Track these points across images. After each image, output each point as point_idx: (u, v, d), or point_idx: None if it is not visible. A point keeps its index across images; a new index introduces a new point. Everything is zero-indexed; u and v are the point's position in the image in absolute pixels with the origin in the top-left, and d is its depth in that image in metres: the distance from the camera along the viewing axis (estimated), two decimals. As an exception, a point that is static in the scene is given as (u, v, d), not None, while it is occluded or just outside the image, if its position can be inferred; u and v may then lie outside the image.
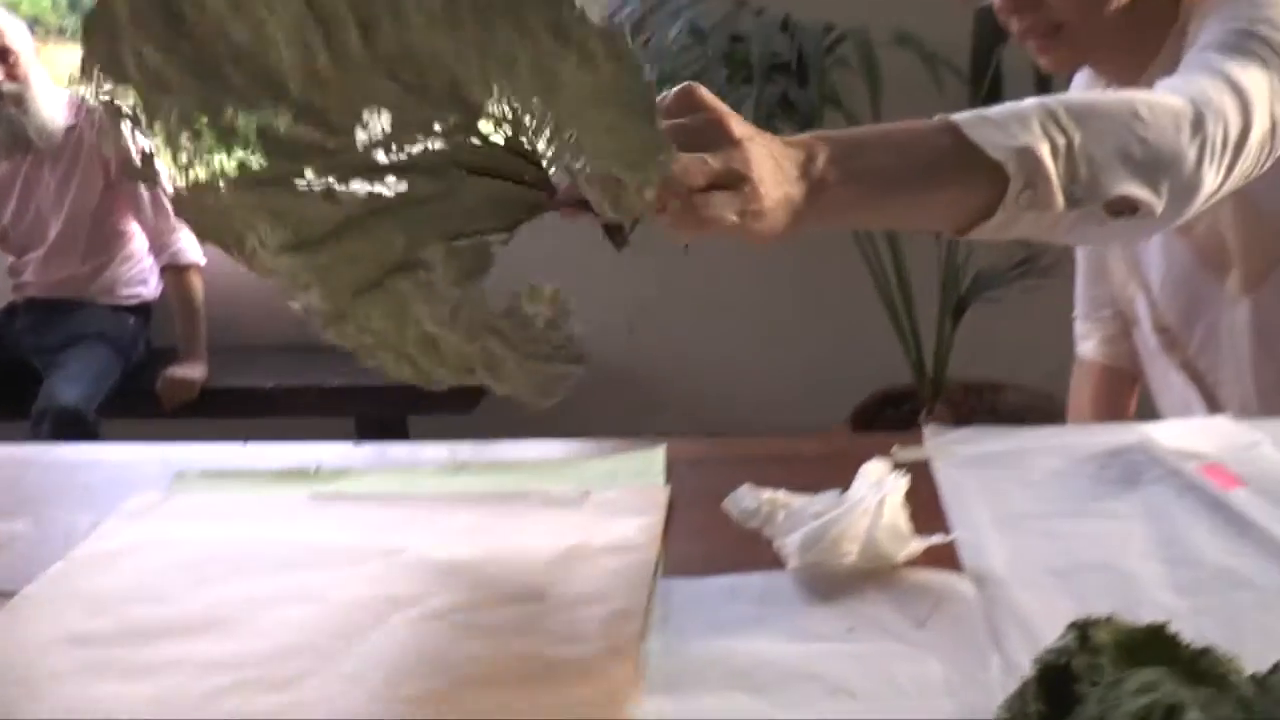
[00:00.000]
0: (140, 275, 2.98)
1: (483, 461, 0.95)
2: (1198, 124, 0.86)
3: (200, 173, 0.70)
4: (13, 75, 2.76)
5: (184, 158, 0.69)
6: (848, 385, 2.65)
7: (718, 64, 2.17)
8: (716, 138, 0.68)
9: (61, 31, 4.07)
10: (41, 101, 2.80)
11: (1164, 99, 0.87)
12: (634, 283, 3.02)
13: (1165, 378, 1.30)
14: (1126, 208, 0.82)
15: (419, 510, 0.86)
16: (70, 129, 2.85)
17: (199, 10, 0.66)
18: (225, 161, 0.70)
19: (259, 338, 3.18)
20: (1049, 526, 0.79)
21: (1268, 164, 0.96)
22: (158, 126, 0.69)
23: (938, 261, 2.56)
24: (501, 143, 0.68)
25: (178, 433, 2.35)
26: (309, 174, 0.69)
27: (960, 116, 0.79)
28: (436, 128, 0.68)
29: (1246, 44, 0.96)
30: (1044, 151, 0.78)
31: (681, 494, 0.86)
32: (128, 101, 0.69)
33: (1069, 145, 0.79)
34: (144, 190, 2.88)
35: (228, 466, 0.97)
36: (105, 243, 2.92)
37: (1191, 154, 0.85)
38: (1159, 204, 0.84)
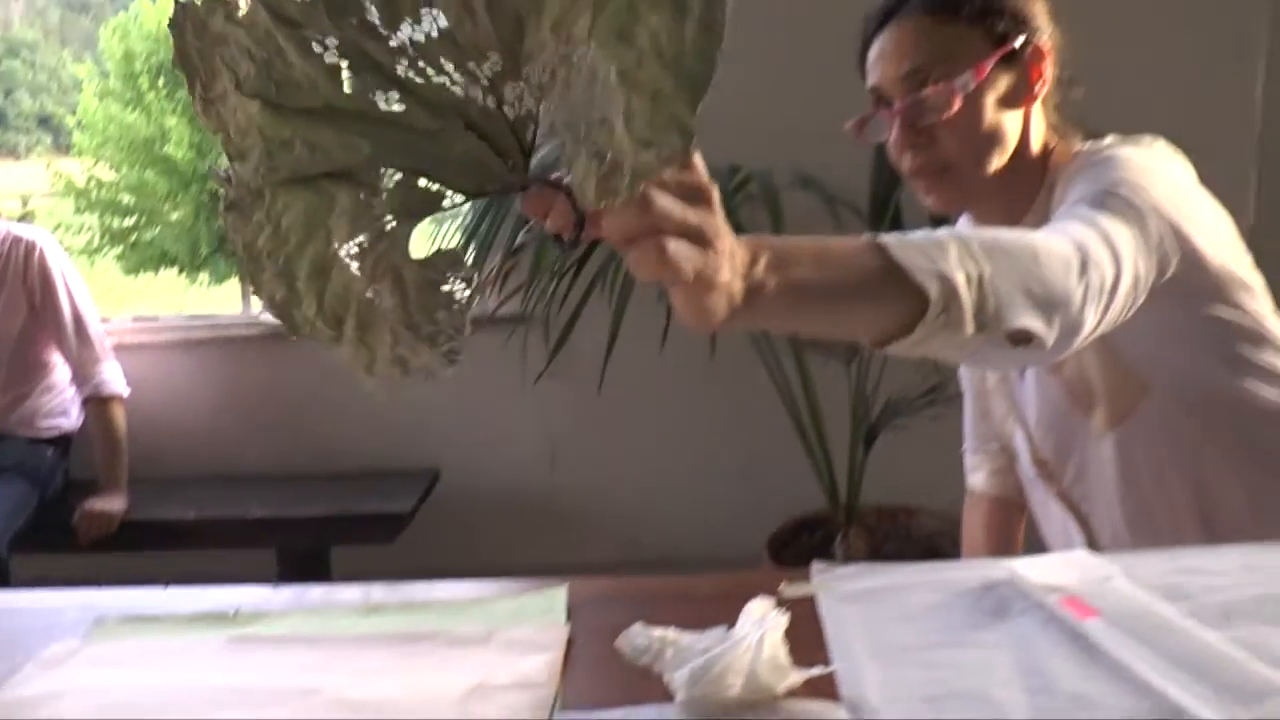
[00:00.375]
0: (61, 406, 2.97)
1: (395, 602, 0.99)
2: (1083, 269, 0.95)
3: None
4: (-61, 209, 2.78)
5: None
6: (765, 512, 2.72)
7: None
8: (700, 201, 0.70)
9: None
10: (-33, 233, 2.82)
11: (1055, 243, 0.95)
12: (554, 415, 3.09)
13: (1046, 507, 1.38)
14: (1024, 338, 0.90)
15: (334, 651, 0.90)
16: (-5, 260, 2.87)
17: None
18: None
19: (181, 469, 3.18)
20: (924, 657, 0.85)
21: (1131, 311, 1.06)
22: None
23: (848, 389, 2.66)
24: (511, 117, 0.66)
25: (95, 567, 2.34)
26: (330, 41, 0.65)
27: (887, 239, 0.84)
28: (470, 65, 0.65)
29: (1111, 202, 1.07)
30: (960, 280, 0.84)
31: (581, 631, 0.91)
32: None
33: (981, 276, 0.86)
34: (68, 321, 2.90)
35: (147, 611, 0.99)
36: (26, 373, 2.91)
37: (1078, 295, 0.94)
38: (1050, 337, 0.92)
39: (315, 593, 1.02)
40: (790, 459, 2.68)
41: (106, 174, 20.33)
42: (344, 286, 0.70)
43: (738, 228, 1.90)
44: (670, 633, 0.81)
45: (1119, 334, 1.12)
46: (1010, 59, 1.22)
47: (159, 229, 20.24)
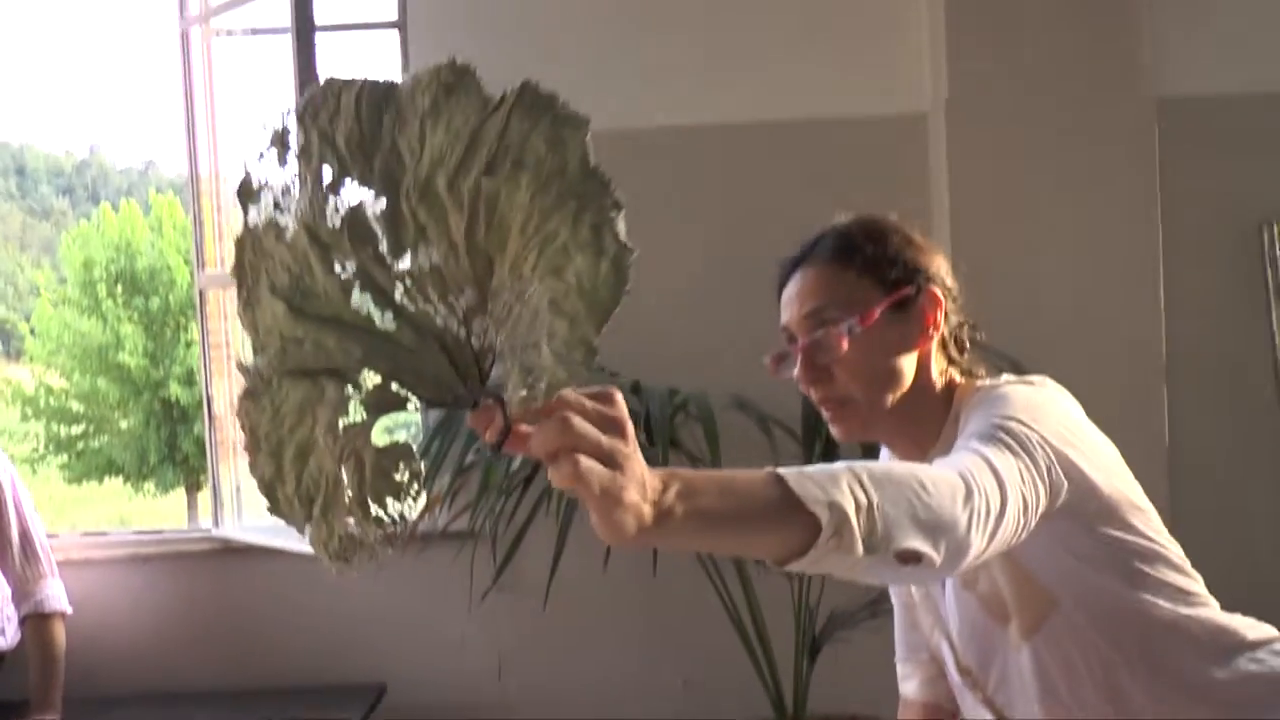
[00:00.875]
0: (-4, 624, 2.94)
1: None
2: (968, 497, 1.05)
3: (283, 220, 0.83)
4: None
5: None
6: (711, 723, 2.72)
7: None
8: (615, 431, 0.79)
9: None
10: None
11: (943, 474, 1.06)
12: (502, 630, 3.10)
13: (974, 712, 1.44)
14: (912, 558, 0.99)
15: None
16: (-55, 480, 2.88)
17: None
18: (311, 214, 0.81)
19: (120, 687, 3.13)
20: None
21: (1024, 534, 1.15)
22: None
23: (791, 602, 2.71)
24: (476, 347, 0.80)
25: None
26: (349, 264, 0.81)
27: (786, 471, 0.95)
28: (450, 298, 0.80)
29: (1000, 436, 1.19)
30: (849, 508, 0.94)
31: None
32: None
33: (870, 504, 0.96)
34: (15, 538, 2.90)
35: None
36: (-36, 591, 2.89)
37: (963, 520, 1.04)
38: (938, 558, 1.01)
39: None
40: (736, 670, 2.70)
41: (57, 381, 20.35)
42: (319, 468, 0.82)
43: (676, 446, 2.03)
44: None
45: (1024, 552, 1.22)
46: (904, 305, 1.35)
47: (107, 437, 20.14)
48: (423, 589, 3.08)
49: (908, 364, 1.35)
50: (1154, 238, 3.06)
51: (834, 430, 1.38)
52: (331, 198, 0.82)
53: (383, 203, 0.81)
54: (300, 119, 0.83)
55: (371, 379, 0.82)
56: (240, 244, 0.84)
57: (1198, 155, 3.12)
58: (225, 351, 3.44)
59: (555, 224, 0.78)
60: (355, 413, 0.83)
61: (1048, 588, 1.31)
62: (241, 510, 3.39)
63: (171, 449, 18.94)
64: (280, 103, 3.05)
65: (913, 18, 3.12)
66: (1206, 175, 3.14)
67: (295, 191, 0.83)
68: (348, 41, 3.49)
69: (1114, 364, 2.98)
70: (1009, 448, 1.17)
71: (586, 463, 0.78)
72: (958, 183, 3.05)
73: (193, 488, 19.12)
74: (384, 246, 0.81)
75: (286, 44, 2.95)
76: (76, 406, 19.41)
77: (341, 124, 0.82)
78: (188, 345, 18.97)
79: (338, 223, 0.81)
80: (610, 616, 3.07)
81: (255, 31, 3.38)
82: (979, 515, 1.06)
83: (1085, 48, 3.02)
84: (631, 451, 0.81)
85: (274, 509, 0.85)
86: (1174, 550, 1.35)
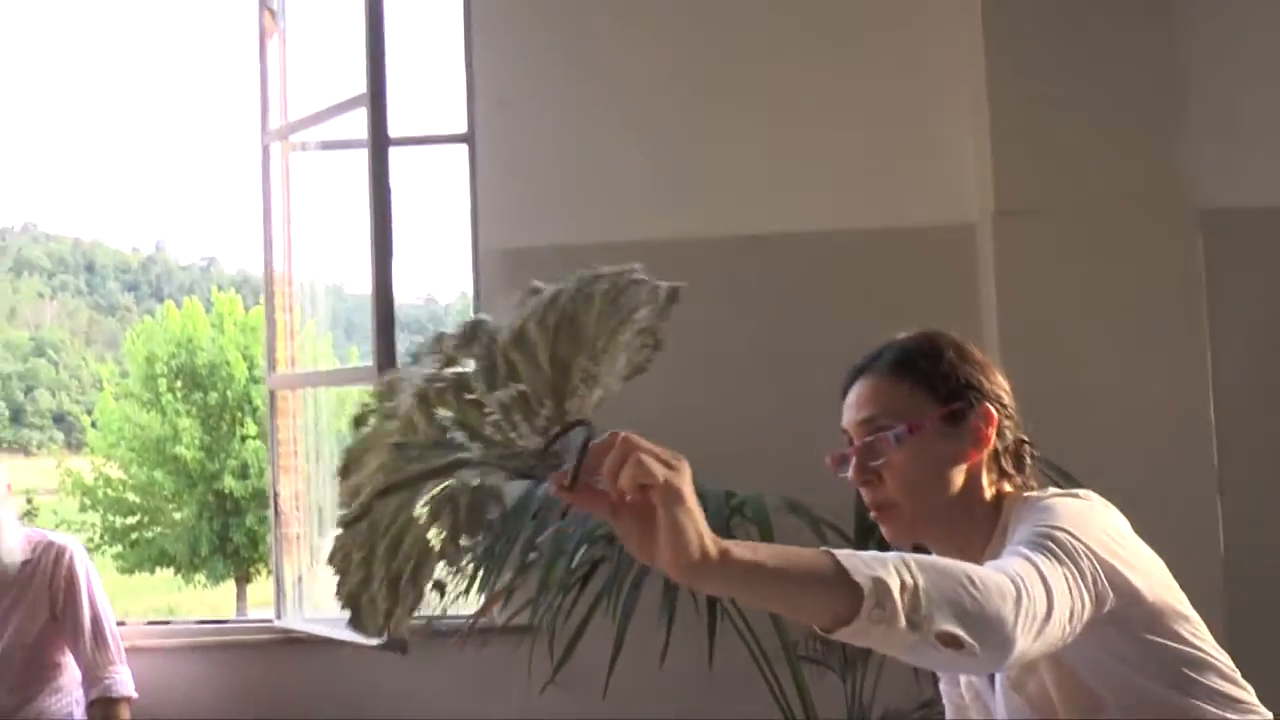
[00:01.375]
0: (66, 708, 3.03)
1: None
2: (1018, 600, 1.13)
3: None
4: (-18, 514, 2.95)
5: None
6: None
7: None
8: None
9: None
10: (4, 537, 2.97)
11: (993, 574, 1.14)
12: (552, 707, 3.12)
13: (1022, 813, 1.47)
14: (954, 643, 1.07)
15: None
16: (25, 563, 3.00)
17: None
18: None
19: (177, 775, 3.18)
20: None
21: (1070, 639, 1.21)
22: None
23: (844, 702, 2.73)
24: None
25: None
26: (446, 414, 1.00)
27: (838, 550, 1.07)
28: (534, 419, 0.98)
29: (1047, 545, 1.26)
30: (894, 585, 1.04)
31: None
32: None
33: (915, 585, 1.06)
34: (87, 624, 3.00)
35: None
36: (38, 674, 2.99)
37: (1010, 619, 1.12)
38: (979, 649, 1.09)
39: None
40: (788, 773, 2.71)
41: (115, 472, 20.76)
42: (411, 543, 0.97)
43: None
44: None
45: (1071, 655, 1.28)
46: (957, 419, 1.43)
47: (160, 528, 20.45)
48: (479, 684, 3.12)
49: (956, 474, 1.43)
50: (1202, 349, 3.10)
51: (885, 532, 1.46)
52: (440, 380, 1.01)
53: (480, 359, 1.01)
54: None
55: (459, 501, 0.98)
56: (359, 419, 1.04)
57: (1243, 265, 3.18)
58: (292, 448, 3.56)
59: (616, 330, 0.99)
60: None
61: (1095, 690, 1.35)
62: (302, 601, 3.48)
63: (223, 540, 19.17)
64: (352, 209, 3.22)
65: (960, 129, 3.24)
66: (1253, 285, 3.20)
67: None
68: (419, 156, 3.67)
69: (1166, 477, 3.00)
70: (1055, 556, 1.24)
71: (647, 458, 0.96)
72: (1005, 294, 3.13)
73: (242, 579, 19.29)
74: (479, 393, 0.99)
75: (361, 157, 3.12)
76: (133, 497, 19.77)
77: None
78: (242, 440, 19.32)
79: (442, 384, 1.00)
80: (666, 716, 3.08)
81: (329, 145, 3.57)
82: (1026, 617, 1.13)
83: (1126, 161, 3.11)
84: (684, 466, 0.99)
85: (355, 621, 0.99)
86: (1222, 659, 1.39)
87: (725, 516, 2.48)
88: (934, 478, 1.42)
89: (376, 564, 0.98)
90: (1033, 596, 1.15)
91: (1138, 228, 3.12)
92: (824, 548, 1.07)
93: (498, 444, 0.97)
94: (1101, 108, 3.14)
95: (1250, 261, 3.20)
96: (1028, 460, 1.50)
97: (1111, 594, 1.28)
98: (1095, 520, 1.34)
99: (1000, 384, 1.49)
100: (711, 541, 0.99)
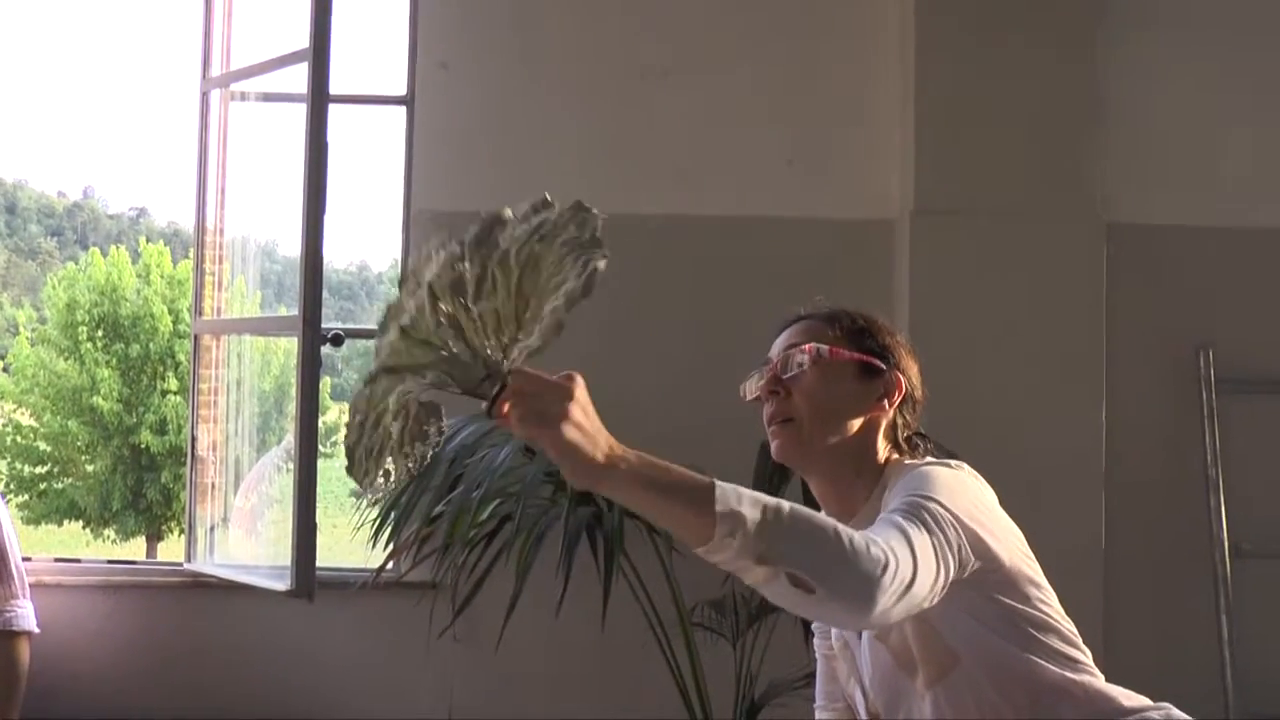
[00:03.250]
0: (-36, 639, 3.02)
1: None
2: (886, 567, 1.24)
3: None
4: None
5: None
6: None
7: (541, 481, 2.53)
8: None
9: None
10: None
11: (866, 536, 1.26)
12: (454, 680, 3.20)
13: (883, 753, 1.59)
14: (805, 585, 1.19)
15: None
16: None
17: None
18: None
19: (77, 710, 3.20)
20: None
21: (934, 601, 1.34)
22: None
23: (733, 669, 2.85)
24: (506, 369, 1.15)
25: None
26: (444, 310, 1.15)
27: (724, 484, 1.19)
28: (502, 337, 1.14)
29: (920, 514, 1.38)
30: (751, 518, 1.17)
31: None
32: None
33: (776, 524, 1.18)
34: (-11, 556, 3.00)
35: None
36: (-63, 605, 2.98)
37: (875, 579, 1.23)
38: (832, 598, 1.21)
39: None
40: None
41: (27, 420, 20.27)
42: (384, 429, 1.17)
43: (634, 514, 2.15)
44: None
45: (931, 612, 1.40)
46: (871, 373, 1.56)
47: (71, 480, 20.03)
48: (382, 634, 3.19)
49: (854, 419, 1.56)
50: (1098, 354, 3.26)
51: (773, 448, 1.58)
52: (454, 266, 1.18)
53: (477, 267, 1.16)
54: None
55: (431, 375, 1.16)
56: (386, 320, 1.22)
57: (1143, 279, 3.35)
58: (213, 399, 3.58)
59: (567, 268, 1.12)
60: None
61: (951, 645, 1.48)
62: (214, 550, 3.51)
63: (136, 496, 18.86)
64: (288, 166, 3.25)
65: (887, 128, 3.36)
66: (1150, 299, 3.37)
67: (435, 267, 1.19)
68: (355, 116, 3.69)
69: (1056, 473, 3.16)
70: (926, 526, 1.36)
71: (527, 400, 1.12)
72: (918, 289, 3.26)
73: (153, 536, 19.00)
74: (468, 297, 1.15)
75: (300, 112, 3.15)
76: (44, 446, 19.35)
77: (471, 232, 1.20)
78: (163, 394, 19.00)
79: (449, 281, 1.16)
80: (559, 673, 3.18)
81: (269, 98, 3.58)
82: (891, 582, 1.24)
83: (1041, 171, 3.27)
84: (576, 404, 1.13)
85: (350, 467, 1.21)
86: (1066, 625, 1.53)
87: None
88: (836, 409, 1.55)
89: (366, 431, 1.19)
90: (900, 564, 1.26)
91: (1047, 235, 3.27)
92: (713, 479, 1.19)
93: (474, 349, 1.14)
94: (1021, 117, 3.28)
95: (1150, 275, 3.37)
96: (919, 452, 1.61)
97: (974, 559, 1.40)
98: (964, 490, 1.46)
99: (914, 370, 1.61)
100: (604, 453, 1.13)
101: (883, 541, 1.27)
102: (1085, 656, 1.52)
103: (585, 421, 1.13)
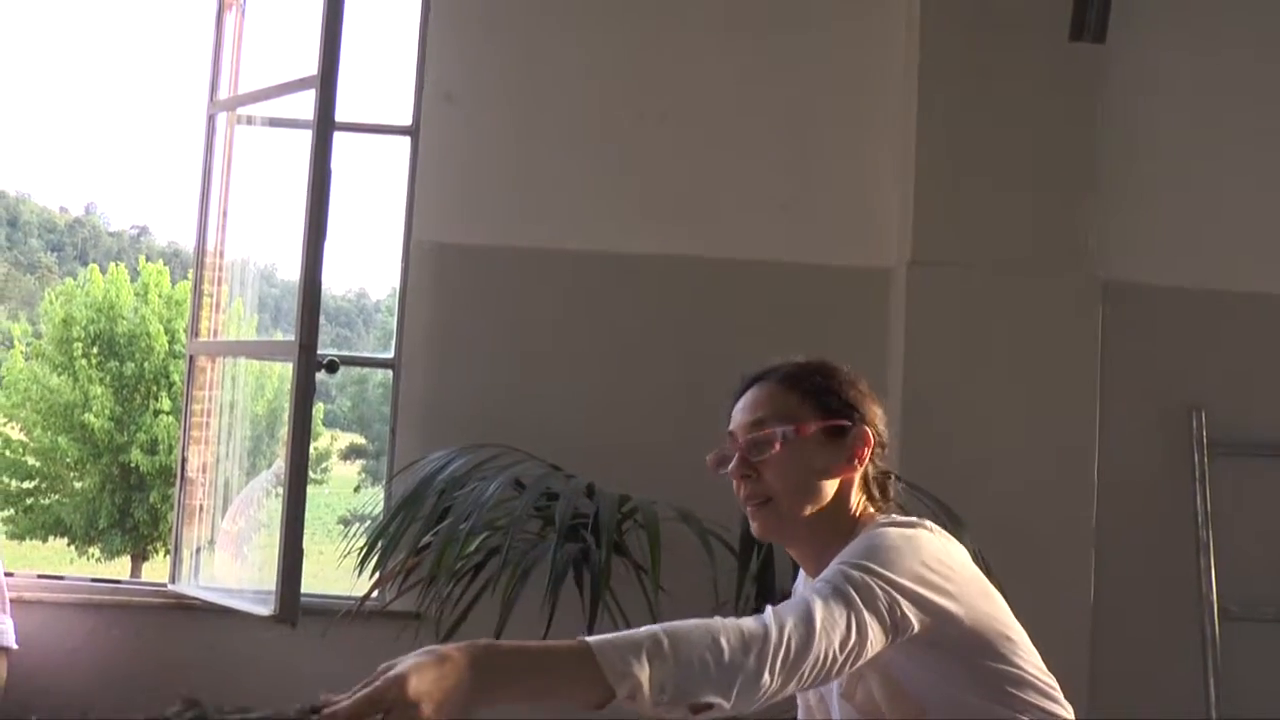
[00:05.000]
0: (-55, 653, 3.01)
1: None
2: (764, 643, 1.27)
3: None
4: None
5: None
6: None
7: (529, 516, 2.53)
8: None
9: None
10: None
11: (743, 624, 1.29)
12: None
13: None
14: (704, 709, 1.24)
15: None
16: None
17: None
18: None
19: (54, 727, 3.17)
20: None
21: (854, 665, 1.34)
22: None
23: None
24: None
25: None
26: None
27: (594, 641, 1.21)
28: None
29: (836, 582, 1.37)
30: (643, 677, 1.20)
31: None
32: None
33: (664, 669, 1.21)
34: (-26, 570, 2.99)
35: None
36: (-82, 618, 2.97)
37: (752, 665, 1.25)
38: (728, 703, 1.24)
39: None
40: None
41: (16, 434, 20.17)
42: None
43: (621, 551, 2.19)
44: None
45: (897, 669, 1.42)
46: (838, 434, 1.55)
47: (58, 496, 19.90)
48: (364, 663, 3.15)
49: (828, 485, 1.54)
50: (1091, 411, 3.27)
51: (753, 528, 1.57)
52: None
53: None
54: None
55: None
56: None
57: (1138, 338, 3.36)
58: (205, 419, 3.57)
59: None
60: None
61: (917, 701, 1.47)
62: (198, 572, 3.49)
63: (123, 515, 18.75)
64: (290, 191, 3.26)
65: (887, 178, 3.38)
66: (1144, 357, 3.38)
67: None
68: (359, 145, 3.71)
69: (1047, 529, 3.16)
70: (841, 595, 1.35)
71: None
72: (913, 340, 3.27)
73: (138, 556, 18.86)
74: None
75: (305, 139, 3.17)
76: (32, 461, 19.25)
77: None
78: (155, 414, 18.94)
79: None
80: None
81: (275, 123, 3.60)
82: (773, 660, 1.27)
83: (1039, 226, 3.29)
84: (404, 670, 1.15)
85: None
86: (1044, 679, 1.51)
87: (618, 519, 2.56)
88: (809, 481, 1.53)
89: None
90: (787, 639, 1.28)
91: (1043, 291, 3.29)
92: (581, 638, 1.22)
93: None
94: (1021, 173, 3.31)
95: (1145, 334, 3.38)
96: (890, 491, 1.61)
97: (916, 620, 1.38)
98: (915, 551, 1.43)
99: (878, 415, 1.61)
100: (466, 696, 1.15)
101: (767, 618, 1.30)
102: (1065, 711, 1.51)
103: (426, 677, 1.15)
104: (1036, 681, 1.49)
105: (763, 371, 1.61)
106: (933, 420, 3.14)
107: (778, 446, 1.52)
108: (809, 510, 1.53)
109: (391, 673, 1.15)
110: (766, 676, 1.25)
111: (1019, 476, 3.18)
